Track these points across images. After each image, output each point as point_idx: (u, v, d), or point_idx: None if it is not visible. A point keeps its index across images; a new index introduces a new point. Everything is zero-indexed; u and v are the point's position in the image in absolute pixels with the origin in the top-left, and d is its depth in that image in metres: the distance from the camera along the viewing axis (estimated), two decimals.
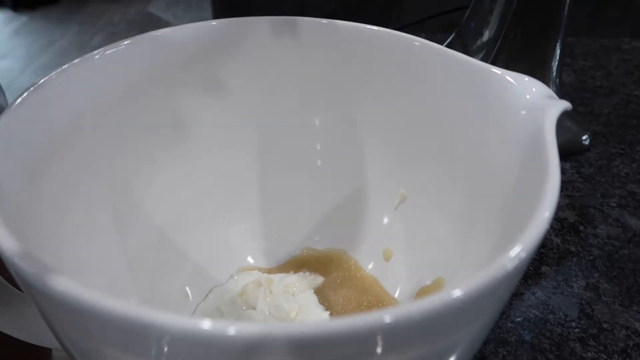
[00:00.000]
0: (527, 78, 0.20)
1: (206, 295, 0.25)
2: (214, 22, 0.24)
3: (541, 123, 0.17)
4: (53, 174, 0.19)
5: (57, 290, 0.11)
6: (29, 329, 0.19)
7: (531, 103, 0.19)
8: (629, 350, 0.24)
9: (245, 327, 0.10)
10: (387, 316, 0.10)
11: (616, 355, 0.24)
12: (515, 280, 0.14)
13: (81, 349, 0.13)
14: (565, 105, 0.18)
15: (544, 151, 0.16)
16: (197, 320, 0.10)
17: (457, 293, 0.11)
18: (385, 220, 0.27)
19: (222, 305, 0.25)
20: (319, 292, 0.26)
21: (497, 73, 0.20)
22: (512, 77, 0.20)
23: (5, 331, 0.19)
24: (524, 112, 0.19)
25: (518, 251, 0.12)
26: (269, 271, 0.27)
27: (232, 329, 0.10)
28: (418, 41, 0.23)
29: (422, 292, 0.24)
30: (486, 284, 0.11)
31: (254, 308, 0.24)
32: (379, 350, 0.11)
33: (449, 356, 0.13)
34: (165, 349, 0.11)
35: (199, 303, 0.25)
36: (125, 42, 0.22)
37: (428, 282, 0.24)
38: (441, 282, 0.23)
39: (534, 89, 0.19)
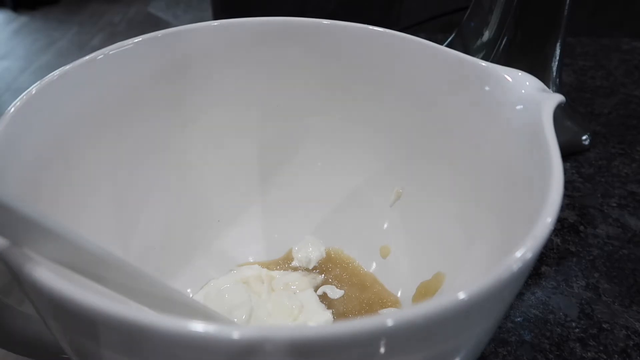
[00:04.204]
0: (520, 73, 0.20)
1: (202, 287, 0.26)
2: (215, 23, 0.24)
3: (538, 117, 0.17)
4: (54, 177, 0.19)
5: (58, 293, 0.11)
6: (29, 345, 0.19)
7: (526, 97, 0.19)
8: (628, 350, 0.24)
9: (247, 330, 0.10)
10: (389, 320, 0.10)
11: (616, 355, 0.24)
12: (520, 282, 0.13)
13: (83, 353, 0.13)
14: (559, 98, 0.18)
15: (545, 147, 0.16)
16: (197, 324, 0.10)
17: (461, 296, 0.11)
18: (382, 218, 0.27)
19: (213, 298, 0.25)
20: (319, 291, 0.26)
21: (491, 68, 0.20)
22: (505, 72, 0.20)
23: (6, 349, 0.19)
24: (520, 106, 0.19)
25: (524, 252, 0.12)
26: (268, 265, 0.27)
27: (235, 333, 0.10)
28: (413, 40, 0.23)
29: (422, 287, 0.24)
30: (491, 286, 0.11)
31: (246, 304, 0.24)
32: (380, 354, 0.11)
33: (453, 359, 0.13)
34: (164, 352, 0.11)
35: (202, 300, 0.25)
36: (128, 43, 0.22)
37: (427, 277, 0.24)
38: (441, 277, 0.23)
39: (527, 83, 0.19)
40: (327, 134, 0.27)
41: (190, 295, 0.25)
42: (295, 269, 0.27)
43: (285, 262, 0.27)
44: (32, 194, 0.17)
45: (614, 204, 0.33)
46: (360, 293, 0.26)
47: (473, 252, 0.21)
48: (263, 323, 0.23)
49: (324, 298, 0.25)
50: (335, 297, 0.25)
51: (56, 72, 0.19)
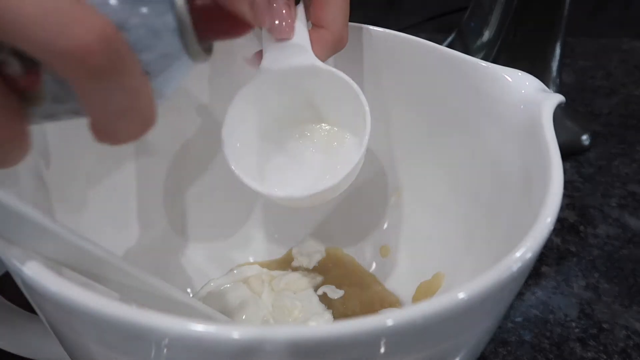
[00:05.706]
0: (520, 73, 0.20)
1: (202, 287, 0.25)
2: None
3: (538, 117, 0.17)
4: (54, 178, 0.19)
5: (57, 292, 0.11)
6: (31, 345, 0.19)
7: (526, 97, 0.19)
8: (628, 350, 0.24)
9: (247, 330, 0.10)
10: (389, 320, 0.10)
11: (616, 355, 0.24)
12: (520, 282, 0.14)
13: (82, 351, 0.13)
14: (559, 98, 0.18)
15: (545, 147, 0.16)
16: (196, 324, 0.10)
17: (461, 295, 0.11)
18: (382, 218, 0.27)
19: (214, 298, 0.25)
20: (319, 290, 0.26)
21: (491, 68, 0.20)
22: (505, 72, 0.20)
23: (8, 350, 0.19)
24: (520, 106, 0.19)
25: (524, 252, 0.12)
26: (268, 265, 0.27)
27: (235, 332, 0.10)
28: (413, 40, 0.23)
29: (422, 287, 0.24)
30: (491, 286, 0.11)
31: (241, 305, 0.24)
32: (380, 354, 0.11)
33: (453, 359, 0.13)
34: (165, 351, 0.11)
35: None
36: None
37: (427, 277, 0.24)
38: (441, 277, 0.23)
39: (527, 83, 0.19)
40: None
41: (190, 295, 0.25)
42: (295, 269, 0.27)
43: (285, 262, 0.27)
44: (32, 194, 0.17)
45: (614, 204, 0.33)
46: (360, 293, 0.26)
47: (473, 252, 0.21)
48: (263, 323, 0.23)
49: (324, 298, 0.25)
50: (335, 297, 0.25)
51: None
